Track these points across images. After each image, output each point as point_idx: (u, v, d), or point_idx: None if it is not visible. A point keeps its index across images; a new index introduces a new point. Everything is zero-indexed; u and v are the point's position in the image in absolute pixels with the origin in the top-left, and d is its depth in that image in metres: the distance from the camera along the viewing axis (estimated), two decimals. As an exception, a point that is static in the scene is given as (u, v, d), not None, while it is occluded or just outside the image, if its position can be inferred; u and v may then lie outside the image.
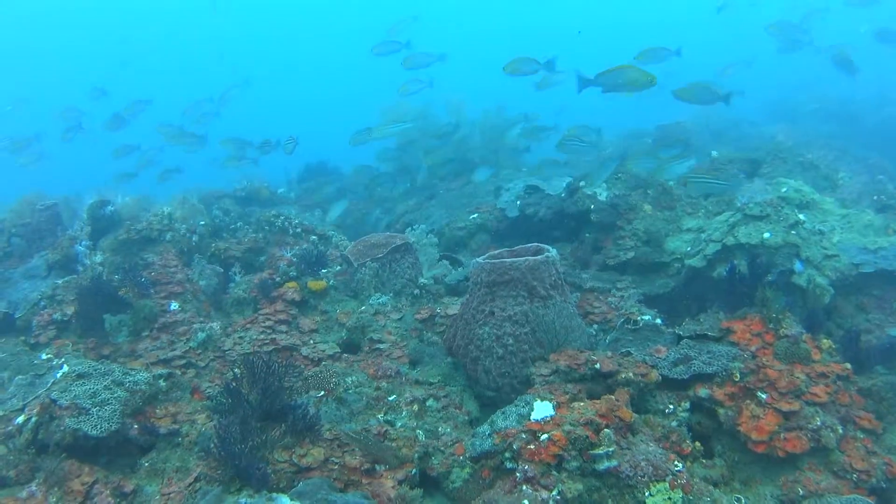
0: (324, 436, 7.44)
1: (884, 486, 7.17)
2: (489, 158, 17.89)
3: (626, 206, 12.40)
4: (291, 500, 6.28)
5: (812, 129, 17.49)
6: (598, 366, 7.86)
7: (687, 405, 7.91)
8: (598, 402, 7.22)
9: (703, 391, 7.88)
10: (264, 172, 17.28)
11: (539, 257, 8.44)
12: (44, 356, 9.42)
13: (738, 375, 7.82)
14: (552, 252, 8.67)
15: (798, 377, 7.73)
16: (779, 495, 7.21)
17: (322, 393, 8.36)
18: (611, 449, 6.52)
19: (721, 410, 7.73)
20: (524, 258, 8.42)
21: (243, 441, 6.96)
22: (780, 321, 8.24)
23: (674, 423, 7.68)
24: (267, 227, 13.00)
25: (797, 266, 10.04)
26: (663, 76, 10.67)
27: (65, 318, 10.02)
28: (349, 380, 8.64)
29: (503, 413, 7.44)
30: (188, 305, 10.78)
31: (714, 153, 14.50)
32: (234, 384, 7.70)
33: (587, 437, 6.59)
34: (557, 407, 7.22)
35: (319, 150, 19.22)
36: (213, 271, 11.39)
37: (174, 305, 10.60)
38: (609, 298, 10.82)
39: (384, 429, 7.71)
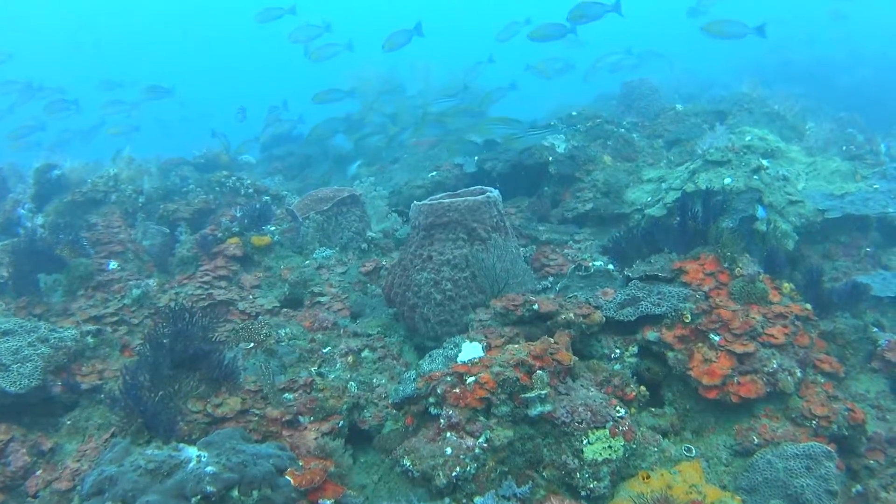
0: (247, 387, 6.71)
1: (845, 433, 6.44)
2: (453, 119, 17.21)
3: (585, 158, 11.67)
4: (199, 450, 5.58)
5: (784, 90, 16.69)
6: (536, 306, 7.03)
7: (634, 349, 7.13)
8: (533, 343, 6.43)
9: (651, 334, 7.08)
10: (233, 142, 16.62)
11: (479, 197, 7.69)
12: None
13: (688, 316, 7.02)
14: (494, 193, 7.91)
15: (754, 318, 6.95)
16: (732, 445, 6.48)
17: (252, 345, 7.63)
18: (543, 392, 5.73)
19: (671, 354, 6.94)
20: (463, 199, 7.65)
21: (152, 389, 6.25)
22: (735, 260, 7.43)
23: (618, 367, 6.89)
24: (218, 188, 12.25)
25: (759, 212, 9.26)
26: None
27: (1, 280, 9.33)
28: (283, 332, 7.97)
29: (430, 356, 6.67)
30: (129, 265, 10.10)
31: (679, 106, 13.80)
32: (155, 335, 6.92)
33: (518, 379, 5.79)
34: (488, 349, 6.46)
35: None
36: (157, 231, 10.64)
37: (112, 265, 9.90)
38: (566, 251, 10.15)
39: (311, 380, 6.95)
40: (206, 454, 5.50)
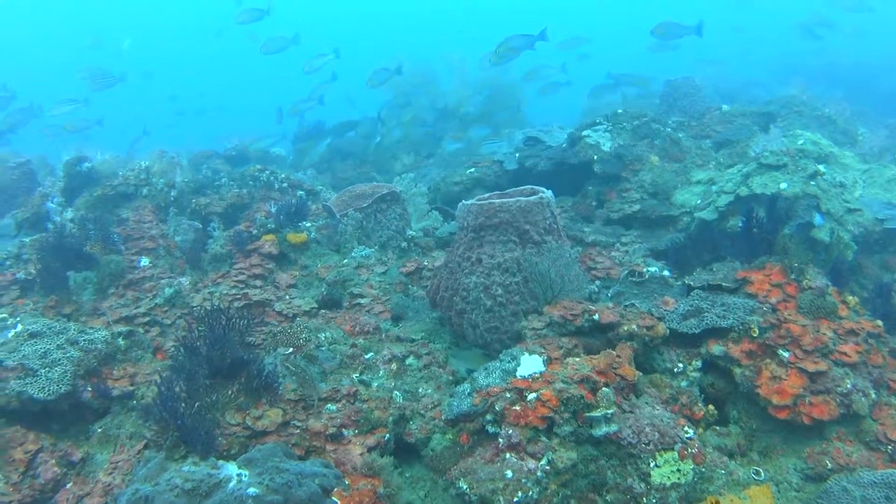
0: (287, 397, 6.29)
1: (923, 460, 5.99)
2: (490, 117, 16.77)
3: (632, 157, 11.19)
4: (239, 467, 5.18)
5: (825, 93, 16.21)
6: (596, 317, 6.60)
7: (698, 364, 6.70)
8: (596, 357, 5.98)
9: (716, 348, 6.64)
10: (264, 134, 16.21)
11: (532, 198, 7.23)
12: None
13: (756, 330, 6.58)
14: (547, 193, 7.44)
15: (825, 334, 6.50)
16: (803, 468, 6.08)
17: (290, 350, 7.20)
18: (610, 411, 5.30)
19: (737, 370, 6.52)
20: (515, 199, 7.18)
21: (188, 401, 5.91)
22: (803, 271, 6.98)
23: (684, 384, 6.45)
24: (251, 182, 11.80)
25: (817, 219, 8.80)
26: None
27: (29, 278, 9.03)
28: (322, 336, 7.54)
29: (486, 369, 6.22)
30: (160, 262, 9.71)
31: (724, 106, 13.31)
32: (190, 339, 6.54)
33: (582, 396, 5.36)
34: (549, 362, 6.01)
35: (317, 112, 18.03)
36: (189, 226, 10.20)
37: (144, 261, 9.52)
38: (612, 253, 9.69)
39: (355, 389, 6.55)
40: (247, 473, 5.13)
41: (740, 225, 8.15)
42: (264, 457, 5.36)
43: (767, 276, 7.09)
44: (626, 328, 6.48)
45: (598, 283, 9.00)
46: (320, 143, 16.50)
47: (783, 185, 9.14)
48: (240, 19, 16.96)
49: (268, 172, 11.91)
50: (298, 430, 6.02)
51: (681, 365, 6.65)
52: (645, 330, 6.50)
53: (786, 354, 6.37)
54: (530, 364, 5.93)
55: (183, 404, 5.80)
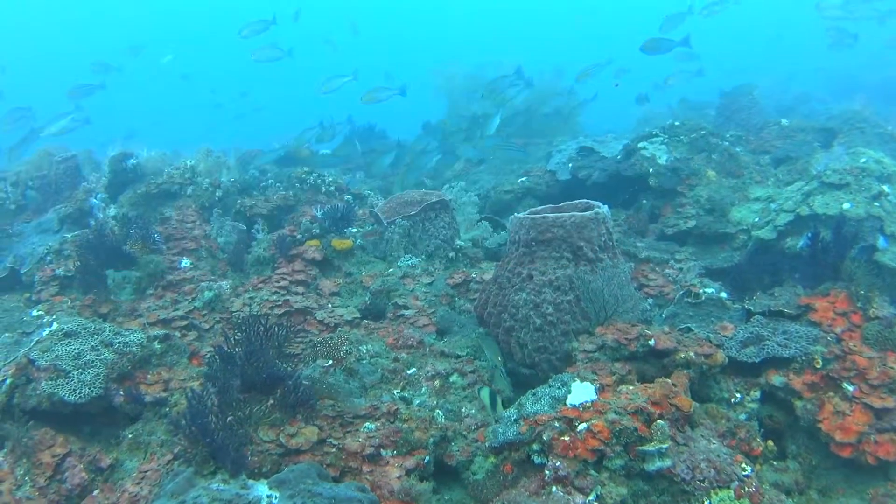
0: (324, 412, 5.97)
1: None
2: (543, 125, 16.38)
3: (689, 172, 10.77)
4: (270, 488, 4.98)
5: (883, 109, 15.65)
6: (652, 342, 6.20)
7: (757, 394, 6.32)
8: (650, 385, 5.60)
9: (777, 378, 6.24)
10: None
11: (587, 213, 6.87)
12: (34, 313, 8.38)
13: (819, 361, 6.18)
14: (603, 208, 7.08)
15: (892, 367, 6.06)
16: (866, 511, 5.62)
17: (330, 362, 6.90)
18: (664, 445, 4.92)
19: (798, 403, 6.13)
20: (569, 213, 6.83)
21: (220, 415, 5.61)
22: (869, 300, 6.56)
23: (742, 416, 6.10)
24: (298, 185, 11.53)
25: (881, 242, 8.35)
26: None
27: (69, 274, 8.87)
28: (364, 348, 7.26)
29: (534, 395, 5.85)
30: (202, 263, 9.49)
31: (784, 121, 12.85)
32: (227, 348, 6.27)
33: (636, 429, 4.98)
34: (601, 390, 5.62)
35: (368, 115, 17.69)
36: (233, 228, 9.95)
37: (185, 262, 9.29)
38: (666, 270, 9.27)
39: (395, 407, 6.24)
40: (277, 494, 4.93)
41: (801, 246, 7.78)
42: (297, 478, 5.11)
43: (832, 303, 6.68)
44: (682, 355, 6.10)
45: (650, 300, 8.65)
46: (388, 155, 16.12)
47: (846, 206, 8.72)
48: (244, 33, 16.90)
49: (315, 175, 11.65)
50: (334, 450, 5.70)
51: (738, 395, 6.27)
52: (703, 358, 6.11)
53: (850, 388, 5.97)
54: (581, 392, 5.56)
55: (214, 418, 5.51)
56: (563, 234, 6.79)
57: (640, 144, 11.31)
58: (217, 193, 10.71)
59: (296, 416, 5.89)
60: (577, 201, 7.65)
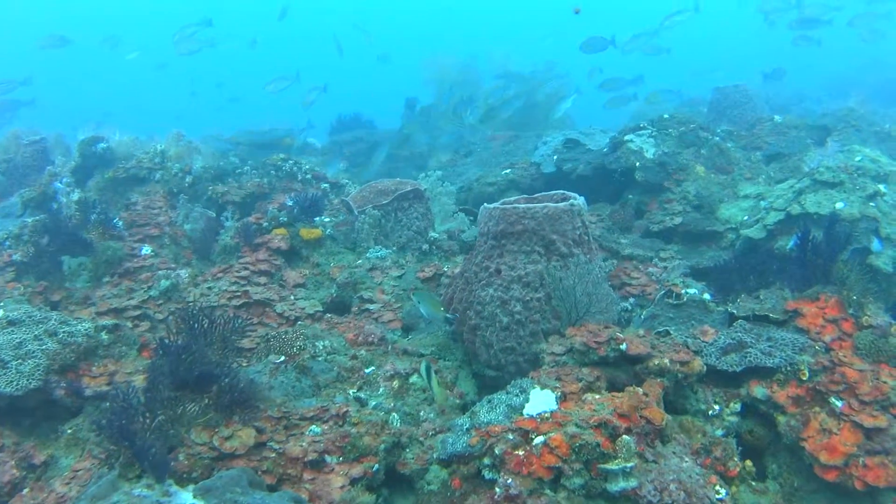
0: (269, 413, 5.39)
1: None
2: (531, 118, 15.78)
3: (677, 166, 10.14)
4: (194, 496, 4.49)
5: (881, 109, 15.04)
6: (623, 346, 5.52)
7: (737, 406, 5.66)
8: (619, 395, 4.95)
9: (759, 390, 5.60)
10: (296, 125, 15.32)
11: (561, 204, 6.24)
12: None
13: (806, 373, 5.52)
14: (578, 200, 6.44)
15: (886, 382, 5.39)
16: (851, 540, 5.02)
17: (282, 358, 6.32)
18: (630, 464, 4.28)
19: (781, 418, 5.48)
20: (542, 205, 6.20)
21: (146, 415, 5.02)
22: (862, 306, 5.90)
23: (719, 432, 5.44)
24: (273, 172, 10.94)
25: (875, 244, 7.74)
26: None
27: (25, 260, 8.31)
28: (321, 344, 6.66)
29: (489, 402, 5.21)
30: (164, 251, 8.97)
31: (777, 117, 12.21)
32: (169, 341, 5.67)
33: (598, 444, 4.34)
34: (562, 399, 5.00)
35: (353, 103, 17.14)
36: (200, 215, 9.34)
37: (146, 249, 8.74)
38: (650, 269, 8.66)
39: (345, 409, 5.60)
40: (202, 503, 4.24)
41: (791, 246, 7.17)
42: (225, 485, 4.56)
43: (822, 308, 6.01)
44: (656, 362, 5.42)
45: (632, 300, 8.05)
46: (380, 150, 15.56)
47: (839, 205, 8.13)
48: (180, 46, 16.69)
49: (291, 162, 11.07)
50: (273, 454, 5.11)
51: (717, 407, 5.61)
52: (679, 366, 5.43)
53: (839, 404, 5.31)
54: (541, 400, 4.93)
55: (141, 418, 4.91)
56: (535, 226, 6.17)
57: (627, 137, 10.69)
58: (187, 179, 10.13)
59: (232, 417, 5.29)
60: (552, 192, 7.03)
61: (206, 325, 5.95)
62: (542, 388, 5.06)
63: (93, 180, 10.08)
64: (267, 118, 14.65)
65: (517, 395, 5.07)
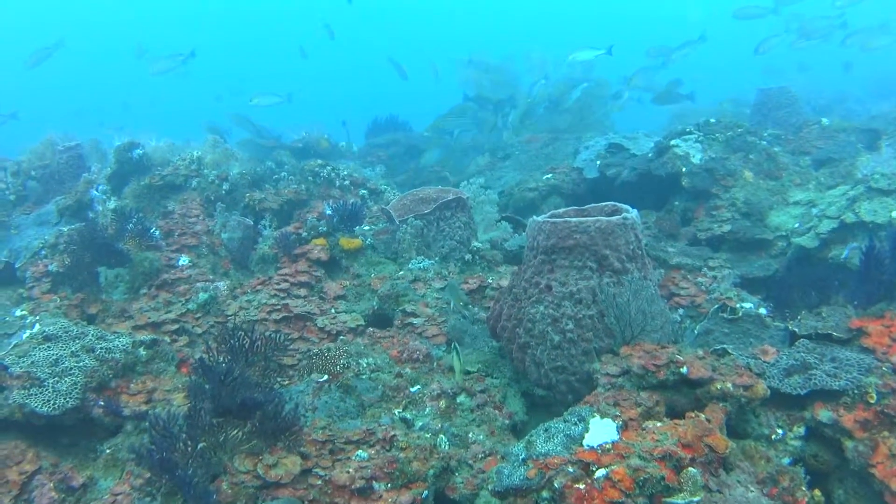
0: (314, 436, 5.19)
1: None
2: (573, 121, 15.49)
3: (724, 172, 9.85)
4: None
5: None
6: (684, 370, 5.26)
7: (801, 430, 5.39)
8: (681, 423, 4.70)
9: (824, 414, 5.31)
10: (329, 127, 15.06)
11: (614, 218, 5.96)
12: (17, 312, 7.79)
13: (873, 396, 5.24)
14: (632, 213, 6.16)
15: (958, 405, 5.10)
16: (923, 570, 4.76)
17: (325, 377, 6.12)
18: (696, 499, 4.03)
19: (849, 443, 5.18)
20: (594, 218, 5.94)
21: (188, 443, 4.89)
22: (930, 324, 5.62)
23: (785, 460, 5.18)
24: (311, 178, 10.73)
25: (934, 255, 7.44)
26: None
27: (61, 271, 8.22)
28: (364, 362, 6.48)
29: (546, 431, 4.95)
30: (202, 261, 8.78)
31: (824, 120, 11.85)
32: (210, 361, 5.53)
33: (663, 477, 4.11)
34: (623, 428, 4.74)
35: (389, 106, 16.88)
36: (238, 223, 9.13)
37: (184, 260, 8.56)
38: (699, 278, 8.36)
39: (392, 433, 5.38)
40: None
41: (846, 257, 6.92)
42: (271, 516, 4.33)
43: (888, 327, 5.73)
44: (718, 386, 5.16)
45: (681, 311, 7.81)
46: (432, 151, 15.27)
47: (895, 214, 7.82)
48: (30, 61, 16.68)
49: (329, 168, 10.85)
50: (320, 482, 4.91)
51: (780, 431, 5.35)
52: (742, 390, 5.16)
53: (910, 429, 5.05)
54: (601, 430, 4.69)
55: (181, 446, 4.74)
56: (587, 240, 5.92)
57: (673, 142, 10.42)
58: (224, 186, 9.94)
59: (276, 444, 5.10)
60: (602, 204, 6.78)
61: (246, 344, 5.78)
62: (601, 417, 4.82)
63: (129, 187, 9.89)
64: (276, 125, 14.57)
65: (576, 424, 4.83)
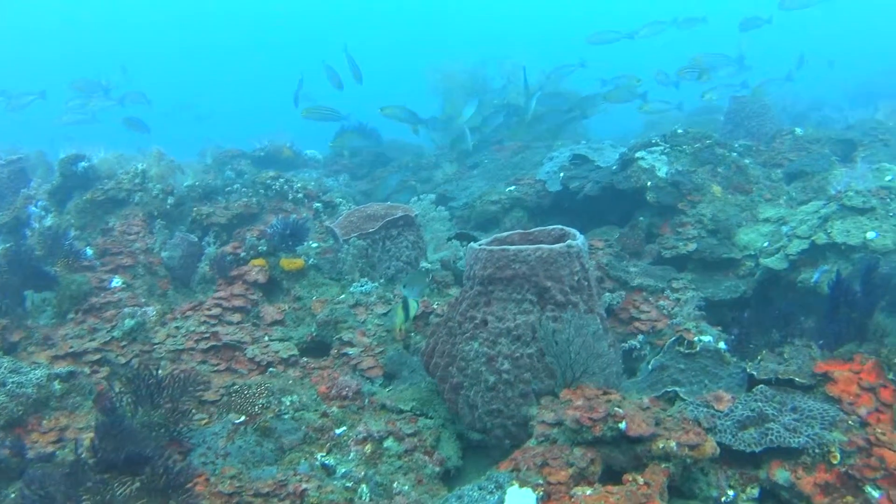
0: (220, 488, 4.51)
1: None
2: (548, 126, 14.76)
3: (692, 186, 9.15)
4: None
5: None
6: (622, 425, 4.52)
7: (755, 492, 4.61)
8: (614, 491, 3.98)
9: (781, 474, 4.54)
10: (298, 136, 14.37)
11: (557, 246, 5.25)
12: None
13: (837, 455, 4.46)
14: (577, 240, 5.44)
15: (932, 465, 4.36)
16: None
17: (242, 418, 5.42)
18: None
19: (807, 510, 4.42)
20: (535, 246, 5.23)
21: None
22: (903, 369, 4.88)
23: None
24: (263, 191, 10.01)
25: (910, 282, 6.78)
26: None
27: None
28: (287, 400, 5.82)
29: (460, 500, 4.23)
30: (138, 282, 8.06)
31: (798, 130, 11.17)
32: (111, 404, 4.91)
33: (587, 563, 3.38)
34: (545, 498, 4.01)
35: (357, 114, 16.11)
36: (182, 240, 8.42)
37: (116, 281, 7.86)
38: (661, 301, 7.68)
39: (302, 487, 4.68)
40: None
41: (816, 280, 6.24)
42: None
43: (856, 373, 4.97)
44: (661, 445, 4.42)
45: (641, 337, 7.14)
46: (394, 175, 14.58)
47: (870, 235, 7.17)
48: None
49: (282, 180, 10.11)
50: (218, 549, 4.20)
51: (731, 493, 4.58)
52: (687, 449, 4.42)
53: (876, 495, 4.28)
54: (518, 502, 3.99)
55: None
56: (527, 271, 5.21)
57: (638, 154, 9.69)
58: (169, 201, 9.20)
59: (168, 503, 4.40)
60: (550, 227, 6.07)
61: (152, 386, 5.13)
62: (520, 486, 4.10)
63: (72, 202, 9.17)
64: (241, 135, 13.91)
65: (492, 493, 4.11)
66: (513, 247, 5.28)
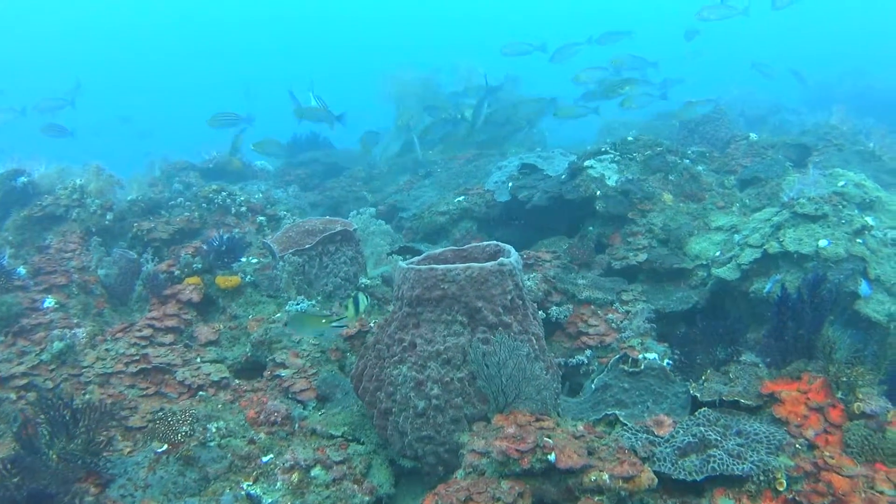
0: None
1: None
2: (496, 135, 14.48)
3: (642, 195, 8.84)
4: None
5: (856, 120, 13.84)
6: (552, 457, 4.17)
7: (698, 525, 4.27)
8: (538, 533, 3.64)
9: (724, 503, 4.20)
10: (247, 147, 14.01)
11: (488, 265, 4.93)
12: None
13: (783, 481, 4.13)
14: (511, 257, 5.12)
15: (882, 490, 4.02)
16: None
17: (165, 448, 5.07)
18: None
19: (753, 543, 4.08)
20: (465, 265, 4.91)
21: None
22: (853, 387, 4.56)
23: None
24: (205, 205, 9.63)
25: (863, 289, 6.55)
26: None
27: None
28: (213, 426, 5.48)
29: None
30: (72, 301, 7.66)
31: (752, 135, 10.97)
32: (29, 435, 4.60)
33: None
34: (465, 540, 3.69)
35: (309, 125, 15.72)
36: (119, 257, 8.03)
37: (49, 301, 7.45)
38: (609, 315, 7.39)
39: (221, 522, 4.37)
40: None
41: (768, 290, 6.04)
42: None
43: (804, 392, 4.66)
44: (593, 477, 4.07)
45: (588, 352, 6.89)
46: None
47: (822, 243, 6.92)
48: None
49: (224, 194, 9.73)
50: None
51: (672, 526, 4.30)
52: (621, 482, 4.09)
53: (825, 523, 4.00)
54: (437, 545, 3.66)
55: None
56: (456, 291, 4.89)
57: (587, 163, 9.39)
58: (108, 217, 8.83)
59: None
60: (485, 244, 5.74)
61: (67, 416, 4.79)
62: (439, 527, 3.78)
63: (10, 220, 8.80)
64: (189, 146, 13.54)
65: (408, 537, 3.79)
66: (441, 266, 4.95)
